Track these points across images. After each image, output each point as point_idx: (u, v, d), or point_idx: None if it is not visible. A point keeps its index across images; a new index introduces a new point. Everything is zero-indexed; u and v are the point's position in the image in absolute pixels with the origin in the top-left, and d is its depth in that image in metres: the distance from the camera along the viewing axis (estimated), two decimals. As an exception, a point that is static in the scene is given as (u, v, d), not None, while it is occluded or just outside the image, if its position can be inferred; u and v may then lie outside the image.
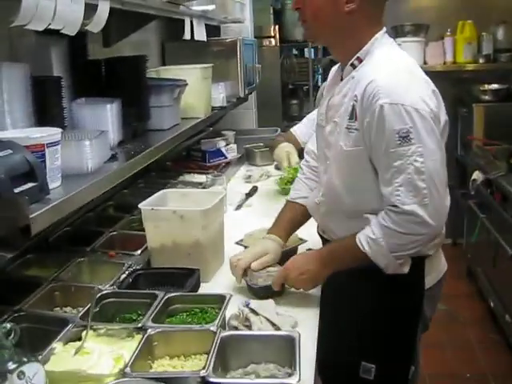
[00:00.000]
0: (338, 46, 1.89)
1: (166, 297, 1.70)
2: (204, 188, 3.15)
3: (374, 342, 1.82)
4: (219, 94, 3.51)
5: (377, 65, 1.75)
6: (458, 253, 5.27)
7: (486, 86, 4.83)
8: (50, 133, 1.65)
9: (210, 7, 3.42)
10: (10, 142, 1.55)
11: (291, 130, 3.33)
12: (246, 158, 4.03)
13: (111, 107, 2.19)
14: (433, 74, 5.36)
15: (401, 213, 1.67)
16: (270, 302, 1.80)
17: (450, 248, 5.53)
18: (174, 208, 2.10)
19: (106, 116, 2.19)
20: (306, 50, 8.01)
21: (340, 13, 1.75)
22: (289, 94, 7.50)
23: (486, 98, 4.77)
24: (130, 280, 1.88)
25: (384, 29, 1.86)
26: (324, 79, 8.87)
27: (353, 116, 1.74)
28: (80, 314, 1.67)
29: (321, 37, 1.92)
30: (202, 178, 3.33)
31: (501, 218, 3.64)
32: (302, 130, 3.26)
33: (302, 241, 2.35)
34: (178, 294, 1.74)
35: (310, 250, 2.14)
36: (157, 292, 1.73)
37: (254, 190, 3.33)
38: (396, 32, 5.12)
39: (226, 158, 3.69)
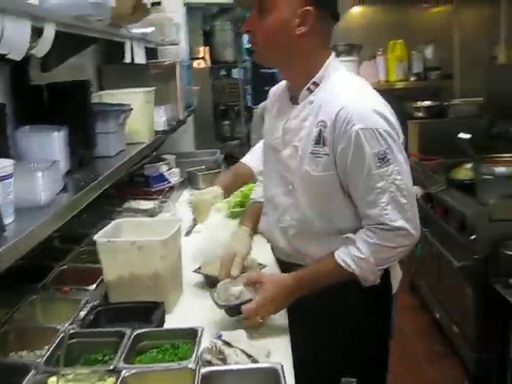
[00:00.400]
0: (289, 69, 1.89)
1: (133, 334, 1.61)
2: (151, 215, 3.07)
3: (355, 355, 1.86)
4: (160, 118, 3.45)
5: (338, 90, 1.78)
6: (400, 266, 5.35)
7: (419, 103, 4.95)
8: (3, 164, 1.55)
9: (150, 30, 3.37)
10: (-41, 176, 1.45)
11: (242, 160, 3.00)
12: (189, 181, 3.96)
13: (58, 135, 2.09)
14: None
15: (390, 229, 1.73)
16: (242, 332, 1.74)
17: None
18: (132, 239, 2.00)
19: (53, 144, 2.08)
20: (233, 70, 8.08)
21: (291, 36, 1.76)
22: (220, 115, 7.50)
23: (420, 114, 4.89)
24: (92, 317, 1.77)
25: (333, 53, 1.90)
26: (255, 100, 8.95)
27: (319, 141, 1.76)
28: (44, 359, 1.54)
29: (272, 59, 1.91)
30: (148, 205, 3.24)
31: (443, 231, 3.71)
32: (255, 158, 2.88)
33: (262, 266, 2.31)
34: (146, 330, 1.65)
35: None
36: (123, 329, 1.64)
37: (201, 214, 3.26)
38: (330, 52, 5.18)
39: (169, 182, 3.62)
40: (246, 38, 8.08)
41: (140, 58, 3.24)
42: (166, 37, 3.89)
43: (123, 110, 2.69)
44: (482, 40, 5.17)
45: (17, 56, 1.65)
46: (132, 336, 1.60)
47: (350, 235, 1.80)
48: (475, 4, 5.31)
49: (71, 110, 2.34)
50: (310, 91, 1.82)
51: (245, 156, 2.99)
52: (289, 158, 1.87)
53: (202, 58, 6.02)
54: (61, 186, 1.88)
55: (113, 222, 2.15)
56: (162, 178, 3.56)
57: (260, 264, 2.31)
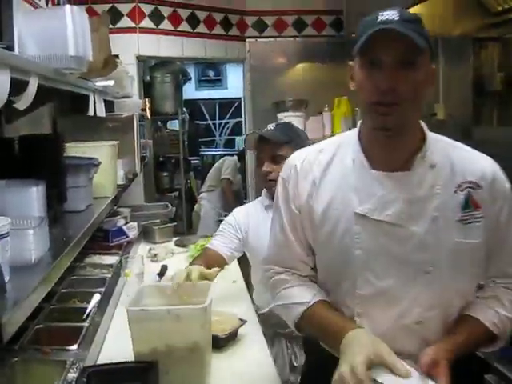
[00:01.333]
0: (412, 128, 1.65)
1: (135, 396, 1.56)
2: (115, 270, 3.00)
3: None
4: (120, 171, 3.40)
5: (460, 148, 1.71)
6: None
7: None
8: (2, 223, 1.49)
9: (111, 82, 3.36)
10: (-41, 235, 1.38)
11: (210, 246, 2.74)
12: (144, 235, 3.91)
13: (37, 190, 2.02)
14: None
15: None
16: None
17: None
18: (169, 307, 1.84)
19: (32, 200, 2.01)
20: (169, 122, 8.12)
21: (426, 89, 1.61)
22: (159, 167, 7.48)
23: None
24: (84, 380, 1.70)
25: None
26: (191, 151, 8.96)
27: (469, 205, 1.58)
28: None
29: (412, 120, 1.62)
30: (110, 260, 3.17)
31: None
32: (223, 244, 2.72)
33: (243, 321, 2.29)
34: (147, 392, 1.59)
35: None
36: (123, 392, 1.58)
37: (165, 268, 3.22)
38: (278, 107, 5.30)
39: (127, 236, 3.56)
40: (186, 89, 8.20)
41: (101, 111, 3.21)
42: (123, 89, 3.88)
43: (94, 164, 2.65)
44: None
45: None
46: (134, 399, 1.55)
47: (493, 294, 1.66)
48: (415, 63, 5.55)
49: (45, 164, 2.29)
50: (424, 155, 1.61)
51: (212, 240, 2.80)
52: (426, 233, 1.56)
53: (143, 109, 6.02)
54: (48, 243, 1.82)
55: (137, 288, 2.04)
56: (121, 232, 3.50)
57: (241, 319, 2.30)
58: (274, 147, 2.57)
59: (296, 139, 2.61)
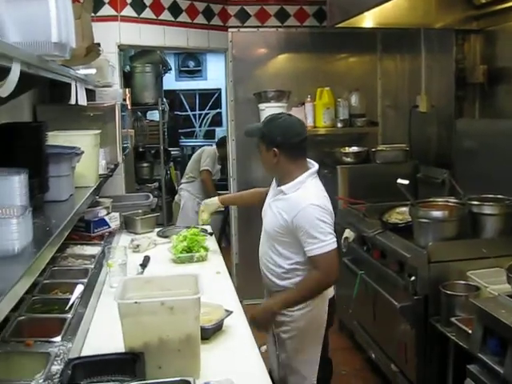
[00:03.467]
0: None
1: (123, 388, 1.53)
2: (98, 261, 2.97)
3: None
4: (101, 161, 3.36)
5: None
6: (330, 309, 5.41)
7: (347, 149, 5.10)
8: (-16, 212, 1.46)
9: (93, 71, 3.31)
10: None
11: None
12: (126, 226, 3.87)
13: (19, 179, 1.98)
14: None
15: None
16: (229, 380, 1.70)
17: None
18: (162, 299, 1.80)
19: (14, 189, 1.97)
20: (148, 112, 8.05)
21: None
22: (139, 157, 7.43)
23: (348, 159, 5.02)
24: (69, 372, 1.67)
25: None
26: (171, 142, 8.92)
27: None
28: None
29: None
30: (92, 250, 3.13)
31: (380, 273, 3.79)
32: None
33: (229, 312, 2.28)
34: (135, 383, 1.57)
35: None
36: (110, 384, 1.55)
37: (147, 259, 3.19)
38: (260, 98, 5.27)
39: (109, 227, 3.52)
40: (165, 80, 8.14)
41: (82, 100, 3.15)
42: (104, 78, 3.83)
43: (76, 153, 2.61)
44: (404, 88, 5.42)
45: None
46: (122, 391, 1.52)
47: None
48: (398, 54, 5.56)
49: (26, 153, 2.24)
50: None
51: None
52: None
53: (124, 99, 5.95)
54: (31, 233, 1.78)
55: (121, 281, 1.98)
56: (102, 222, 3.46)
57: (227, 310, 2.28)
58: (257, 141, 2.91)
59: (267, 135, 2.81)
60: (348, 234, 4.35)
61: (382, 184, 4.63)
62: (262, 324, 2.64)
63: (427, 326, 3.29)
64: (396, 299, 3.52)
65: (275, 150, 2.74)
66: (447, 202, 3.67)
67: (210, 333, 2.11)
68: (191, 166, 6.70)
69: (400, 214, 4.02)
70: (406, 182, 3.47)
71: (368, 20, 4.58)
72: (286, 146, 2.75)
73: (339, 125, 5.33)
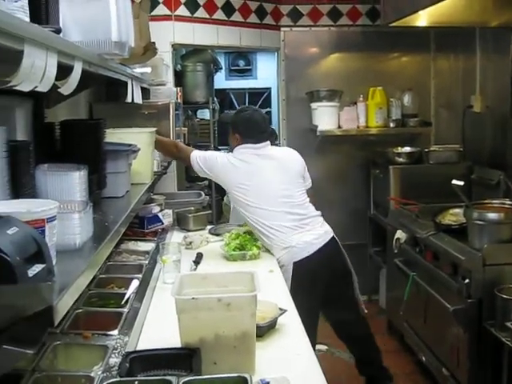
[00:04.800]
0: None
1: (180, 382, 1.55)
2: (151, 257, 3.01)
3: None
4: (156, 158, 3.41)
5: None
6: (375, 309, 5.37)
7: (400, 149, 5.04)
8: (49, 206, 1.49)
9: (148, 70, 3.35)
10: (10, 217, 1.38)
11: None
12: (178, 222, 3.91)
13: (79, 175, 2.02)
14: (347, 138, 5.56)
15: None
16: (285, 378, 1.71)
17: (366, 304, 5.63)
18: (220, 295, 1.81)
19: (74, 184, 2.01)
20: (198, 111, 8.10)
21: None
22: (189, 156, 7.47)
23: (401, 160, 4.97)
24: (127, 365, 1.70)
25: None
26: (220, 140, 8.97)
27: None
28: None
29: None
30: (146, 246, 3.18)
31: (433, 275, 3.74)
32: None
33: (283, 311, 2.28)
34: (192, 378, 1.59)
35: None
36: (169, 378, 1.57)
37: (200, 256, 3.21)
38: (312, 97, 5.26)
39: (162, 223, 3.56)
40: (216, 79, 8.19)
41: (138, 98, 3.21)
42: (159, 77, 3.88)
43: (133, 151, 2.65)
44: (458, 88, 5.33)
45: (44, 88, 1.59)
46: (179, 384, 1.54)
47: None
48: (452, 53, 5.48)
49: (85, 149, 2.29)
50: None
51: None
52: None
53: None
54: (92, 228, 1.82)
55: (177, 277, 2.00)
56: (156, 218, 3.50)
57: (281, 309, 2.29)
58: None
59: (233, 121, 3.65)
60: (400, 234, 4.30)
61: (434, 185, 4.57)
62: None
63: (481, 330, 3.22)
64: (449, 302, 3.46)
65: (237, 135, 3.49)
66: (503, 203, 3.59)
67: (263, 330, 2.11)
68: None
69: (454, 216, 3.95)
70: (461, 183, 3.41)
71: (422, 19, 4.52)
72: (245, 134, 3.46)
73: (392, 125, 5.26)
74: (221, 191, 7.49)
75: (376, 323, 5.10)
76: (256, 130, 3.49)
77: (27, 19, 1.39)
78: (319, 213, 3.46)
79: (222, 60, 9.35)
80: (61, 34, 1.76)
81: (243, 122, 3.55)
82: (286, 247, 3.26)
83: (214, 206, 6.93)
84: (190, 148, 3.68)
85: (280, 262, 3.25)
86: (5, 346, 1.21)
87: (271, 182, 3.35)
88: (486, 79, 4.86)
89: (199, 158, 3.42)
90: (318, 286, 3.29)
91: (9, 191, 1.71)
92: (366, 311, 3.81)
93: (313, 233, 3.33)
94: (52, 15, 1.75)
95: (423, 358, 4.06)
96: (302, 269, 3.23)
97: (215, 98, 7.96)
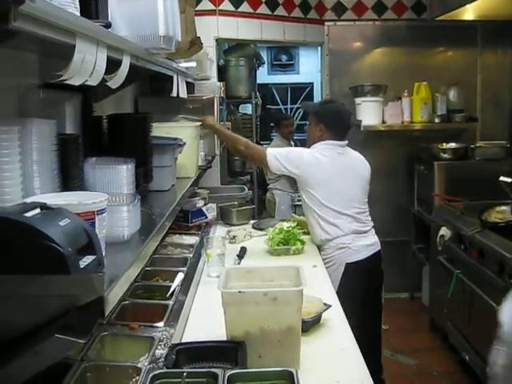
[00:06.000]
0: None
1: (226, 375, 1.56)
2: (196, 250, 3.03)
3: None
4: (200, 153, 3.43)
5: None
6: (417, 306, 5.32)
7: (445, 145, 4.96)
8: (100, 199, 1.52)
9: (193, 64, 3.37)
10: (61, 209, 1.40)
11: None
12: (221, 217, 3.93)
13: (127, 168, 2.04)
14: (391, 133, 5.49)
15: None
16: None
17: (409, 302, 5.59)
18: (266, 289, 1.82)
19: (122, 177, 2.03)
20: (240, 106, 8.11)
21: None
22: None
23: (446, 156, 4.90)
24: (173, 356, 1.71)
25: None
26: (262, 135, 8.96)
27: None
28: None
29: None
30: (190, 240, 3.21)
31: (478, 273, 3.68)
32: None
33: (327, 306, 2.27)
34: (238, 371, 1.59)
35: None
36: (215, 370, 1.58)
37: (244, 250, 3.22)
38: (356, 92, 5.23)
39: (206, 217, 3.59)
40: (258, 73, 8.19)
41: (183, 92, 3.23)
42: (203, 72, 3.90)
43: (179, 145, 2.67)
44: (505, 83, 5.24)
45: (94, 82, 1.61)
46: (225, 377, 1.55)
47: None
48: (499, 48, 5.38)
49: (132, 143, 2.32)
50: None
51: None
52: None
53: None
54: (139, 221, 1.84)
55: (223, 270, 2.00)
56: (200, 212, 3.53)
57: (325, 304, 2.28)
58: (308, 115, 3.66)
59: (319, 112, 3.45)
60: (444, 231, 4.25)
61: (480, 181, 4.49)
62: (205, 122, 3.44)
63: (527, 329, 3.17)
64: (494, 301, 3.40)
65: (321, 125, 3.35)
66: (550, 201, 3.52)
67: (309, 325, 2.11)
68: None
69: (500, 213, 3.88)
70: (509, 179, 3.35)
71: (469, 12, 4.46)
72: (331, 126, 3.34)
73: (437, 120, 5.19)
74: (263, 186, 7.51)
75: (418, 321, 5.07)
76: (342, 125, 3.41)
77: (78, 14, 1.42)
78: (373, 224, 3.43)
79: (264, 55, 9.34)
80: (110, 29, 1.79)
81: (331, 113, 3.43)
82: (341, 248, 3.23)
83: (256, 200, 6.95)
84: (262, 147, 3.64)
85: (331, 260, 3.23)
86: (57, 335, 1.23)
87: (349, 185, 3.29)
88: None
89: (279, 155, 3.26)
90: (362, 290, 3.24)
91: (58, 184, 1.74)
92: (386, 327, 3.77)
93: (368, 239, 3.31)
94: (101, 10, 1.78)
95: (466, 358, 3.99)
96: (352, 271, 3.21)
97: (257, 93, 7.96)
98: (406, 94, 5.19)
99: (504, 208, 3.82)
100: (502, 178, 3.35)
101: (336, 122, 3.38)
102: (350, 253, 3.23)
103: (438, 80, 5.32)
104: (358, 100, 5.16)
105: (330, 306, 2.26)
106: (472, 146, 4.88)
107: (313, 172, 3.24)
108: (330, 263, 3.21)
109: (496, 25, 5.02)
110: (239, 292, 1.77)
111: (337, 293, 2.74)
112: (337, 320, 2.27)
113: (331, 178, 3.25)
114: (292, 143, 6.44)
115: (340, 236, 3.23)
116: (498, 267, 3.44)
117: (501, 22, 4.82)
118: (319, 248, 3.32)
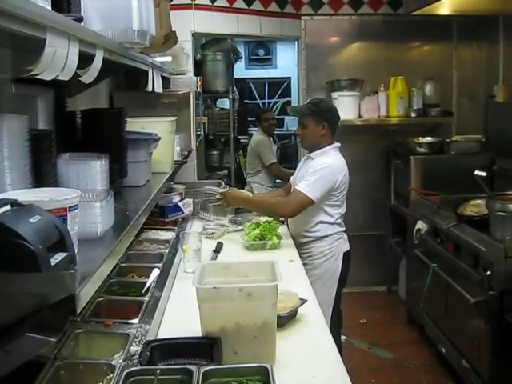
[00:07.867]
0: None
1: (201, 371, 1.55)
2: (172, 246, 3.02)
3: None
4: (176, 148, 3.41)
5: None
6: (394, 299, 5.36)
7: (421, 139, 4.99)
8: (72, 195, 1.50)
9: (169, 58, 3.35)
10: (32, 205, 1.38)
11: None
12: (198, 212, 3.91)
13: (100, 164, 2.02)
14: (368, 127, 5.54)
15: None
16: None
17: (386, 295, 5.62)
18: (241, 285, 1.81)
19: (95, 173, 2.01)
20: (218, 100, 8.08)
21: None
22: (209, 145, 7.47)
23: (422, 150, 4.92)
24: (148, 353, 1.70)
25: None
26: (240, 130, 8.95)
27: None
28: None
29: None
30: (166, 235, 3.19)
31: (453, 266, 3.71)
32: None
33: (303, 301, 2.28)
34: (213, 367, 1.59)
35: None
36: (190, 367, 1.57)
37: (220, 246, 3.22)
38: (332, 86, 5.23)
39: (182, 212, 3.57)
40: (235, 68, 8.16)
41: (158, 87, 3.20)
42: (179, 66, 3.87)
43: (154, 139, 2.65)
44: (480, 78, 5.28)
45: (66, 76, 1.59)
46: (200, 373, 1.54)
47: None
48: (475, 42, 5.42)
49: (106, 138, 2.29)
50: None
51: None
52: None
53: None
54: (113, 217, 1.82)
55: (199, 266, 1.99)
56: (176, 208, 3.51)
57: (301, 299, 2.28)
58: (300, 117, 3.52)
59: (317, 112, 3.40)
60: (420, 225, 4.27)
61: (456, 175, 4.53)
62: (228, 201, 3.52)
63: (502, 322, 3.20)
64: (470, 294, 3.44)
65: (325, 123, 3.37)
66: (526, 195, 3.55)
67: (284, 320, 2.11)
68: (251, 162, 6.45)
69: (475, 207, 3.91)
70: (484, 173, 3.37)
71: (445, 7, 4.47)
72: (331, 122, 3.41)
73: (413, 114, 5.23)
74: (240, 181, 7.50)
75: (396, 314, 5.11)
76: (338, 121, 3.52)
77: (49, 8, 1.39)
78: None
79: (241, 49, 9.31)
80: (82, 23, 1.76)
81: (330, 111, 3.50)
82: (339, 238, 3.41)
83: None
84: (297, 193, 3.27)
85: (332, 251, 3.38)
86: (28, 334, 1.21)
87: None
88: (510, 69, 4.80)
89: (315, 189, 3.21)
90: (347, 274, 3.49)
91: (30, 180, 1.71)
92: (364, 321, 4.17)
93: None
94: (74, 4, 1.75)
95: (443, 350, 4.03)
96: (346, 259, 3.43)
97: (235, 88, 7.94)
98: (382, 89, 5.21)
99: (479, 202, 3.85)
100: (476, 172, 3.37)
101: (335, 118, 3.47)
102: (344, 242, 3.44)
103: (414, 74, 5.36)
104: (334, 94, 5.17)
105: (305, 301, 2.27)
106: (448, 140, 4.92)
107: (343, 180, 3.34)
108: (330, 254, 3.38)
109: (471, 20, 5.05)
110: (214, 288, 1.76)
111: (339, 281, 3.18)
112: (313, 315, 2.28)
113: (347, 179, 3.41)
114: (271, 139, 6.43)
115: (341, 228, 3.45)
116: (473, 260, 3.48)
117: (476, 17, 4.85)
118: (303, 243, 3.40)
